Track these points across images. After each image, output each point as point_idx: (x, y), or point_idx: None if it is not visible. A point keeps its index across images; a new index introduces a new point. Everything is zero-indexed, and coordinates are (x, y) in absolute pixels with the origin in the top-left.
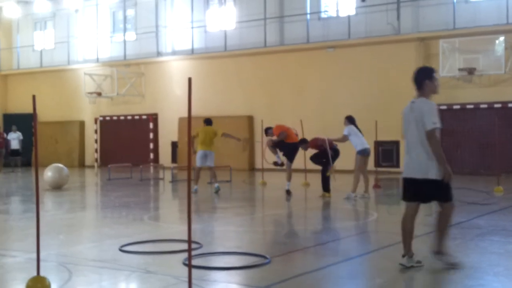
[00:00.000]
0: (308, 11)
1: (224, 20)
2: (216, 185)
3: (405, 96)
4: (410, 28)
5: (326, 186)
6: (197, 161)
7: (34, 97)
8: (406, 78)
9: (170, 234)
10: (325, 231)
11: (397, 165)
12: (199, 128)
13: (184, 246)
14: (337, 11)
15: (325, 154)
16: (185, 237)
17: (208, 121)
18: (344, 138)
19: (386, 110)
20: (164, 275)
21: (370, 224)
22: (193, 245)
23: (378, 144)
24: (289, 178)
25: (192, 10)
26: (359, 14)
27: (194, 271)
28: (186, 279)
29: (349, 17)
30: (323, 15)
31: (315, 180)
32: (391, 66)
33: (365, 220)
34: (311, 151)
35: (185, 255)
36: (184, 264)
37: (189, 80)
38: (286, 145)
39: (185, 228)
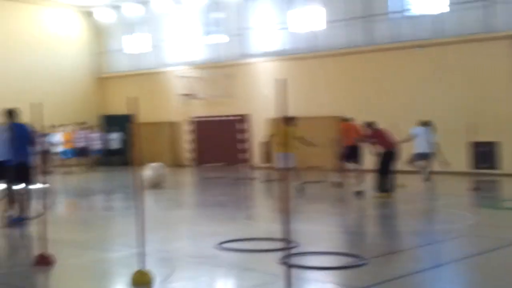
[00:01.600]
0: (396, 9)
1: (311, 21)
2: (299, 185)
3: (499, 95)
4: (503, 25)
5: (383, 187)
6: (279, 163)
7: (134, 99)
8: (499, 77)
9: (265, 233)
10: (421, 233)
11: (496, 167)
12: (277, 129)
13: (281, 245)
14: (426, 8)
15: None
16: (281, 236)
17: (288, 120)
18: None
19: (481, 110)
20: (262, 273)
21: (469, 227)
22: (290, 244)
23: (474, 145)
24: (359, 180)
25: (277, 12)
26: (450, 11)
27: (291, 269)
28: (283, 277)
29: (438, 15)
30: (410, 12)
31: (410, 181)
32: (484, 64)
33: (463, 223)
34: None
35: (282, 253)
36: (282, 262)
37: (280, 81)
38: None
39: (280, 227)
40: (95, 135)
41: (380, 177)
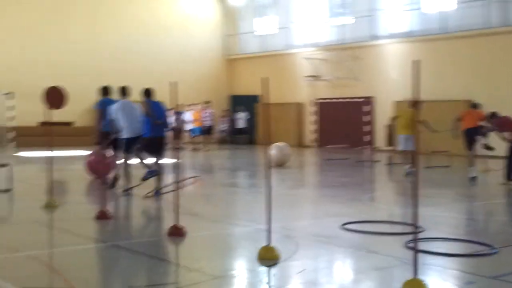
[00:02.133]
0: None
1: (442, 1)
2: (408, 168)
3: None
4: None
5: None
6: (400, 145)
7: (266, 80)
8: None
9: (389, 216)
10: None
11: None
12: (401, 111)
13: (406, 228)
14: None
15: None
16: (405, 220)
17: (414, 103)
18: None
19: None
20: (386, 256)
21: None
22: (416, 229)
23: None
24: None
25: None
26: None
27: (417, 254)
28: (408, 261)
29: None
30: None
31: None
32: None
33: None
34: None
35: (407, 237)
36: (407, 246)
37: (415, 63)
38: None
39: (404, 211)
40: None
41: (510, 165)
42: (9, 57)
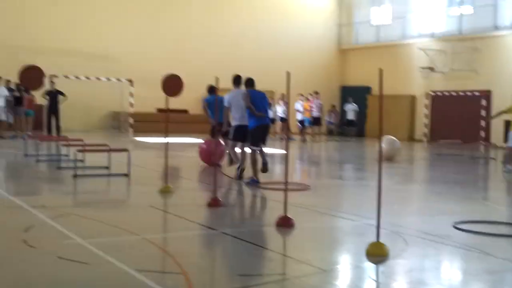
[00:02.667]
0: None
1: None
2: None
3: None
4: None
5: None
6: (510, 141)
7: (380, 71)
8: None
9: (504, 217)
10: None
11: None
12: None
13: None
14: None
15: None
16: None
17: None
18: None
19: None
20: (500, 259)
21: None
22: None
23: None
24: None
25: None
26: None
27: None
28: None
29: None
30: None
31: None
32: None
33: None
34: None
35: None
36: None
37: None
38: None
39: None
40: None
41: None
42: (129, 46)
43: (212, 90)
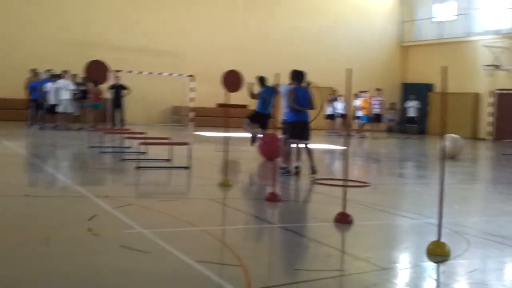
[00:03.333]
0: None
1: None
2: None
3: None
4: None
5: None
6: None
7: (444, 69)
8: None
9: None
10: None
11: None
12: None
13: None
14: None
15: None
16: None
17: None
18: None
19: None
20: None
21: None
22: None
23: None
24: None
25: None
26: None
27: None
28: None
29: None
30: None
31: None
32: None
33: None
34: None
35: None
36: None
37: None
38: None
39: None
40: (390, 108)
41: None
42: (192, 42)
43: (262, 81)
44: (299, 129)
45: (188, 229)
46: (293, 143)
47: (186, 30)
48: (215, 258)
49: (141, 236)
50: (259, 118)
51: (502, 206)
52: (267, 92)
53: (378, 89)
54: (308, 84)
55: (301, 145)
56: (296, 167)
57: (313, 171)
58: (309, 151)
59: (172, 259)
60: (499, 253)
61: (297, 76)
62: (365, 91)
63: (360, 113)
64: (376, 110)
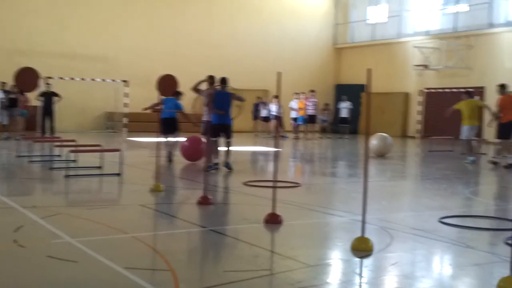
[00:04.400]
0: None
1: None
2: (470, 158)
3: None
4: None
5: None
6: (463, 134)
7: (369, 70)
8: None
9: (490, 211)
10: None
11: None
12: (461, 103)
13: (508, 224)
14: None
15: None
16: (508, 216)
17: (469, 93)
18: None
19: None
20: (485, 252)
21: None
22: None
23: None
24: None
25: None
26: None
27: None
28: (508, 259)
29: None
30: None
31: None
32: None
33: None
34: None
35: (508, 234)
36: (507, 243)
37: None
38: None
39: (507, 206)
40: (323, 109)
41: None
42: (125, 47)
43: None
44: (219, 129)
45: (117, 237)
46: (214, 141)
47: (118, 34)
48: (145, 264)
49: (69, 245)
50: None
51: (428, 201)
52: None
53: (312, 91)
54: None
55: (221, 144)
56: (216, 164)
57: (228, 167)
58: (228, 149)
59: (101, 267)
60: (421, 246)
61: (221, 81)
62: (302, 93)
63: (295, 115)
64: (310, 111)
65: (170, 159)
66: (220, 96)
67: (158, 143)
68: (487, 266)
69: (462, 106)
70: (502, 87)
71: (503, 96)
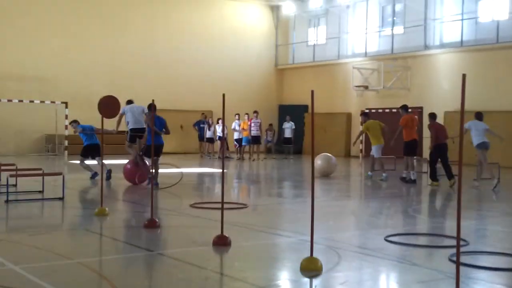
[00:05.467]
0: None
1: (497, 10)
2: (384, 175)
3: None
4: None
5: (434, 175)
6: (374, 152)
7: (312, 92)
8: None
9: (434, 229)
10: None
11: None
12: (368, 124)
13: (450, 242)
14: None
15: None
16: (451, 233)
17: (367, 115)
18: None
19: None
20: (430, 269)
21: None
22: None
23: None
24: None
25: (463, 1)
26: None
27: (460, 268)
28: (452, 275)
29: None
30: None
31: None
32: None
33: None
34: None
35: (451, 251)
36: (451, 260)
37: (463, 76)
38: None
39: (449, 223)
40: (267, 129)
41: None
42: (64, 67)
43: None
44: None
45: (62, 262)
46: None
47: (56, 53)
48: None
49: (12, 272)
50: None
51: (372, 220)
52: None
53: (256, 112)
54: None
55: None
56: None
57: (156, 185)
58: (156, 168)
59: None
60: (368, 264)
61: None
62: (245, 114)
63: (238, 136)
64: (254, 132)
65: (108, 176)
66: (157, 120)
67: (102, 165)
68: (433, 283)
69: (369, 127)
70: (404, 107)
71: (405, 116)
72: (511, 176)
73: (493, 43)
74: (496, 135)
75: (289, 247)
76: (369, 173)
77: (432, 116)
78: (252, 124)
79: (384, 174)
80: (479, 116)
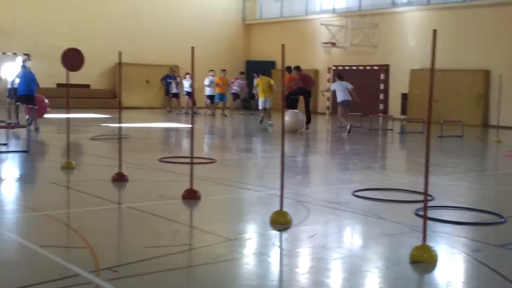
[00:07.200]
0: None
1: None
2: (269, 122)
3: None
4: None
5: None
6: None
7: (283, 46)
8: None
9: (399, 184)
10: None
11: None
12: (259, 79)
13: (416, 197)
14: None
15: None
16: (416, 188)
17: (263, 72)
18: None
19: None
20: (396, 223)
21: None
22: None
23: None
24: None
25: None
26: None
27: (426, 222)
28: (418, 229)
29: None
30: None
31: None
32: None
33: None
34: None
35: (417, 205)
36: (417, 214)
37: (434, 32)
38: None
39: (414, 179)
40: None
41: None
42: (27, 19)
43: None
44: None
45: (30, 215)
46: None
47: (18, 6)
48: (61, 242)
49: None
50: None
51: (339, 175)
52: None
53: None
54: None
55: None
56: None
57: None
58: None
59: (15, 246)
60: (336, 218)
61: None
62: (222, 70)
63: (210, 92)
64: (235, 90)
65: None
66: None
67: (67, 119)
68: (399, 236)
69: (259, 82)
70: (288, 68)
71: (288, 76)
72: (473, 133)
73: (460, 1)
74: (355, 96)
75: (258, 201)
76: (269, 122)
77: (297, 68)
78: (236, 84)
79: (269, 122)
80: (340, 76)
